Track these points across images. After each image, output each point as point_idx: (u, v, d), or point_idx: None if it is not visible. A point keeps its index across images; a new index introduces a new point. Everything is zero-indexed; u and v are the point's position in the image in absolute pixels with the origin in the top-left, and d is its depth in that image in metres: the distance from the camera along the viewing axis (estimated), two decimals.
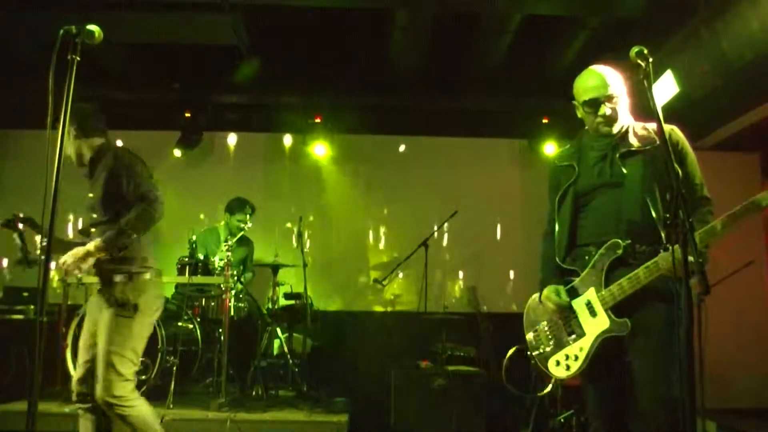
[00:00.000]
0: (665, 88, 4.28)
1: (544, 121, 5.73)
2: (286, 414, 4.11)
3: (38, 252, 2.67)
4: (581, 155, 2.47)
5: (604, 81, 2.34)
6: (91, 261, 2.57)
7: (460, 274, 6.16)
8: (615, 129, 2.36)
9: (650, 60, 1.95)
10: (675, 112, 4.20)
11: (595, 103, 2.34)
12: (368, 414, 4.54)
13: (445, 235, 5.66)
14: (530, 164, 6.06)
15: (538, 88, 5.50)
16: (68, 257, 2.56)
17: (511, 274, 6.16)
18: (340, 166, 6.19)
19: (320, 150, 5.89)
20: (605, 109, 2.33)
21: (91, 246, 2.57)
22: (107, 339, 2.60)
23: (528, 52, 5.14)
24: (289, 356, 4.71)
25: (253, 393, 4.39)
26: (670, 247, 1.99)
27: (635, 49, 1.96)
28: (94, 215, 2.78)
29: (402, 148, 6.29)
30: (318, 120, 5.78)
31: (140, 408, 2.63)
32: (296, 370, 4.69)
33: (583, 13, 4.39)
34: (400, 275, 5.95)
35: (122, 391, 2.57)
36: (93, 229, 2.80)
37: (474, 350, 4.99)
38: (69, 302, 4.68)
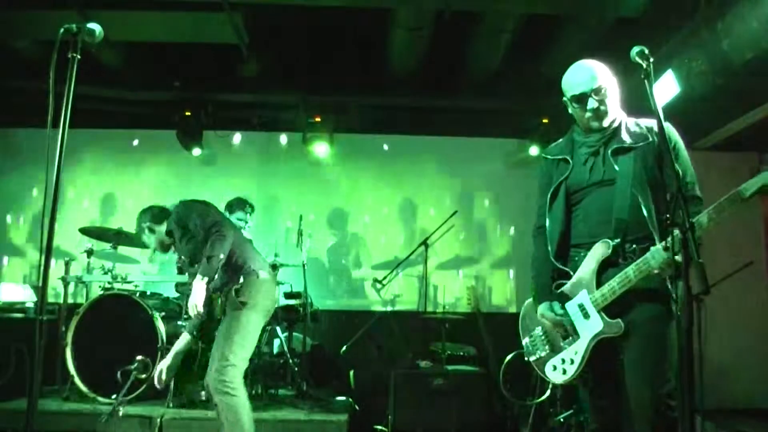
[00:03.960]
0: (666, 88, 4.28)
1: (544, 121, 5.73)
2: (285, 413, 4.11)
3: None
4: (573, 151, 2.42)
5: (590, 74, 2.31)
6: (204, 294, 3.04)
7: (460, 274, 6.16)
8: (605, 123, 2.32)
9: (651, 60, 1.95)
10: (675, 112, 4.21)
11: (582, 98, 2.31)
12: (368, 414, 4.54)
13: (445, 235, 5.66)
14: (530, 164, 6.06)
15: (537, 88, 5.49)
16: (194, 306, 3.04)
17: (511, 274, 6.16)
18: (340, 166, 6.19)
19: (320, 149, 5.88)
20: (593, 103, 2.28)
21: (198, 284, 3.05)
22: (223, 329, 3.11)
23: (528, 52, 5.13)
24: (288, 355, 4.71)
25: (253, 392, 4.37)
26: (662, 244, 1.99)
27: (636, 49, 1.95)
28: (194, 267, 3.31)
29: (386, 147, 6.28)
30: (318, 119, 5.78)
31: (241, 399, 2.98)
32: (296, 369, 4.69)
33: (583, 12, 4.39)
34: (400, 275, 5.95)
35: (229, 376, 2.96)
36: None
37: (474, 350, 4.99)
38: (69, 301, 4.68)
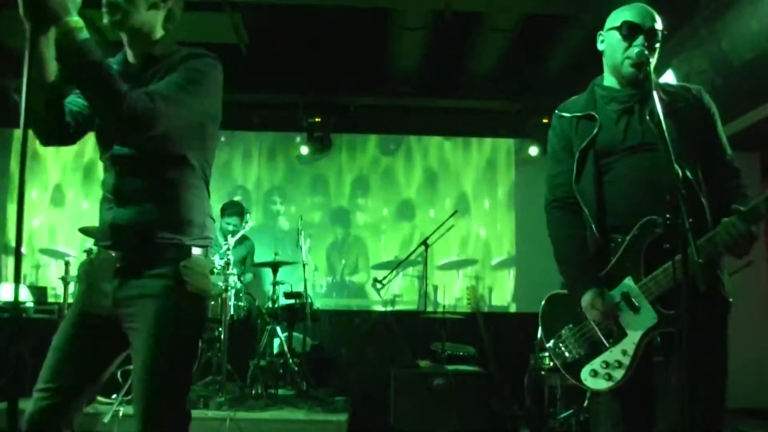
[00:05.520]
0: None
1: (544, 121, 5.73)
2: (285, 413, 4.12)
3: None
4: (597, 107, 2.02)
5: (653, 14, 1.97)
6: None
7: (460, 274, 6.16)
8: (642, 75, 1.91)
9: (651, 60, 1.94)
10: None
11: (634, 30, 1.93)
12: (368, 414, 4.54)
13: (445, 235, 5.66)
14: (530, 164, 6.06)
15: (537, 88, 5.50)
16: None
17: (511, 274, 6.16)
18: (340, 165, 6.20)
19: (320, 149, 5.89)
20: (642, 41, 1.91)
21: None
22: (173, 343, 1.73)
23: (528, 52, 5.14)
24: (288, 355, 4.71)
25: (253, 392, 4.38)
26: (735, 217, 1.80)
27: (635, 50, 1.94)
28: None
29: (392, 146, 6.29)
30: (318, 119, 5.78)
31: None
32: (296, 369, 4.69)
33: (583, 12, 4.39)
34: (400, 275, 5.95)
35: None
36: None
37: (474, 350, 5.00)
38: (69, 301, 4.68)
